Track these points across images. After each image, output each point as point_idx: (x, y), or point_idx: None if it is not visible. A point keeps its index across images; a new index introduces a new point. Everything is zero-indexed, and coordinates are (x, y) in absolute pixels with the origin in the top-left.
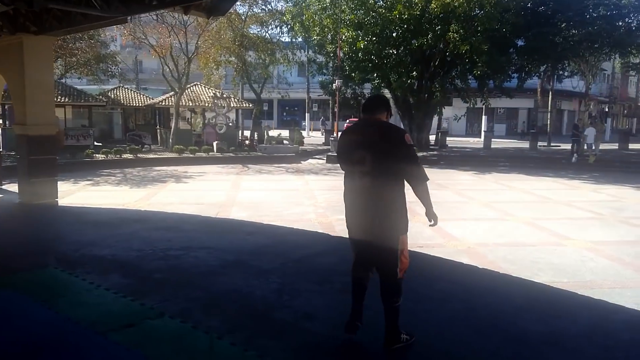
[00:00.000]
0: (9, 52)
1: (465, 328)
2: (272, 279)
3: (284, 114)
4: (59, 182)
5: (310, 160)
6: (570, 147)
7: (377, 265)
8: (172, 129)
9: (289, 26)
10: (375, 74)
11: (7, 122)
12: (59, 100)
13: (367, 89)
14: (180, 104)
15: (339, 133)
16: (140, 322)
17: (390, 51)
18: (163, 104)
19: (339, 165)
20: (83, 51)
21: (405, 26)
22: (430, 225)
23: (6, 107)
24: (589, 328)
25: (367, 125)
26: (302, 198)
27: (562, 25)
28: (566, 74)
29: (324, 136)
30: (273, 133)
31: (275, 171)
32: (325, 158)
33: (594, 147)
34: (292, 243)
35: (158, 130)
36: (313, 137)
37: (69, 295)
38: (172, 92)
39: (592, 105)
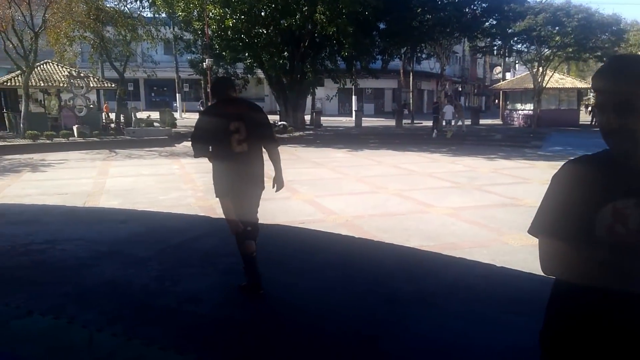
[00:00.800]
0: None
1: (343, 293)
2: (151, 267)
3: (152, 94)
4: None
5: (185, 143)
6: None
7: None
8: (22, 113)
9: (150, 0)
10: (246, 54)
11: None
12: None
13: (240, 68)
14: (30, 84)
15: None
16: (7, 322)
17: (260, 30)
18: (9, 84)
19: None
20: None
21: (273, 5)
22: (276, 192)
23: None
24: (452, 283)
25: (234, 101)
26: (179, 182)
27: (418, 10)
28: (424, 56)
29: None
30: (142, 115)
31: (146, 155)
32: None
33: (453, 124)
34: (171, 228)
35: (5, 114)
36: (186, 118)
37: None
38: (19, 72)
39: (448, 85)
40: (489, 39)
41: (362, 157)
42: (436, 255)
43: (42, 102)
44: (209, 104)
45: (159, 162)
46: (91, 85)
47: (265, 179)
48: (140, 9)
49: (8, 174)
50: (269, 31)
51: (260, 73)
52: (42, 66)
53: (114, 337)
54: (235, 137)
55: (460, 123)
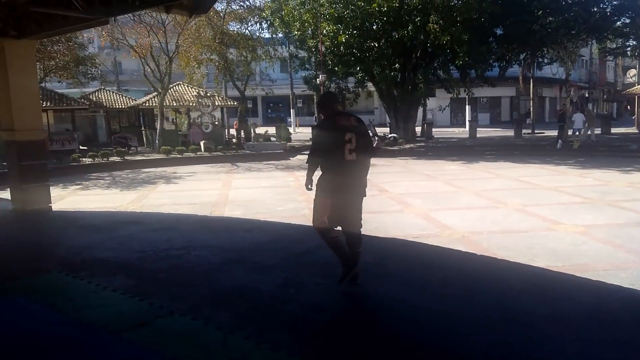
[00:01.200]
0: None
1: (468, 312)
2: (276, 274)
3: (269, 110)
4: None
5: (299, 156)
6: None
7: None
8: (157, 130)
9: (269, 22)
10: (358, 67)
11: None
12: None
13: (351, 82)
14: (164, 104)
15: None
16: (152, 320)
17: (372, 44)
18: (147, 104)
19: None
20: (62, 54)
21: (385, 18)
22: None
23: None
24: (589, 308)
25: (342, 114)
26: (295, 194)
27: (539, 13)
28: (545, 61)
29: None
30: (260, 130)
31: (264, 168)
32: None
33: (581, 133)
34: (292, 238)
35: (143, 132)
36: (300, 133)
37: (77, 298)
38: (155, 93)
39: (573, 91)
40: (621, 40)
41: (478, 170)
42: (568, 277)
43: (174, 120)
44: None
45: (275, 175)
46: (216, 103)
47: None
48: (260, 30)
49: (146, 185)
50: (381, 44)
51: (370, 86)
52: (174, 87)
53: (245, 340)
54: (348, 146)
55: (589, 132)
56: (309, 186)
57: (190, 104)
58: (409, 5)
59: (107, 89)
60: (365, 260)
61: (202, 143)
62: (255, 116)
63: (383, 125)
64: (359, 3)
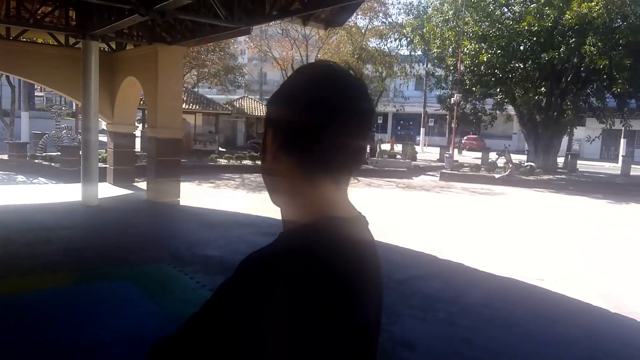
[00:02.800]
0: (145, 61)
1: None
2: None
3: (399, 127)
4: (185, 183)
5: (422, 177)
6: None
7: None
8: None
9: (409, 39)
10: (498, 89)
11: (145, 126)
12: (190, 107)
13: (489, 104)
14: None
15: (456, 149)
16: None
17: (516, 65)
18: None
19: (453, 183)
20: (214, 63)
21: (535, 39)
22: None
23: (145, 112)
24: None
25: None
26: (411, 216)
27: None
28: None
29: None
30: (386, 147)
31: (384, 185)
32: (438, 175)
33: None
34: (395, 262)
35: None
36: (428, 152)
37: (176, 292)
38: None
39: None
40: None
41: (627, 212)
42: None
43: None
44: (453, 137)
45: (395, 194)
46: None
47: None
48: (398, 47)
49: None
50: (526, 65)
51: (510, 109)
52: None
53: None
54: None
55: None
56: None
57: None
58: (563, 25)
59: (250, 97)
60: (473, 300)
61: None
62: (384, 132)
63: (520, 152)
64: (507, 22)
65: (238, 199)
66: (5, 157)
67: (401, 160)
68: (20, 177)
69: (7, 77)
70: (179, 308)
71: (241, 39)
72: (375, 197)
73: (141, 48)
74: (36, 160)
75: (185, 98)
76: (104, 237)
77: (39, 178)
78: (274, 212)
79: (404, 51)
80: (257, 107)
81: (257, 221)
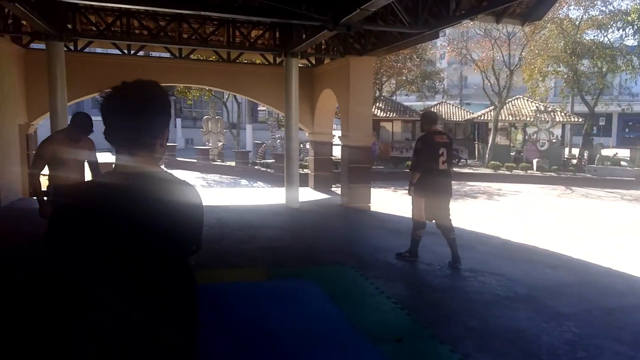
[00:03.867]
0: (339, 73)
1: None
2: (568, 326)
3: (626, 130)
4: (380, 189)
5: None
6: None
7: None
8: (489, 144)
9: (636, 27)
10: None
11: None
12: (388, 115)
13: None
14: (500, 118)
15: None
16: (410, 339)
17: None
18: (482, 118)
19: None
20: (410, 70)
21: None
22: None
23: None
24: None
25: (441, 132)
26: (637, 233)
27: None
28: None
29: None
30: (607, 152)
31: (605, 197)
32: None
33: None
34: (605, 287)
35: (475, 145)
36: None
37: (356, 295)
38: (492, 107)
39: None
40: None
41: None
42: None
43: (508, 135)
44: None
45: (618, 206)
46: (556, 119)
47: None
48: (622, 37)
49: (467, 198)
50: None
51: None
52: (512, 102)
53: None
54: (441, 158)
55: None
56: (410, 192)
57: (528, 119)
58: None
59: (448, 102)
60: None
61: (534, 161)
62: (607, 135)
63: None
64: None
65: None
66: (232, 164)
67: (627, 169)
68: (243, 181)
69: (235, 95)
70: (355, 312)
71: (439, 43)
72: (592, 210)
73: (336, 61)
74: (256, 167)
75: (383, 106)
76: (299, 238)
77: (258, 182)
78: (465, 221)
79: (631, 41)
80: (455, 112)
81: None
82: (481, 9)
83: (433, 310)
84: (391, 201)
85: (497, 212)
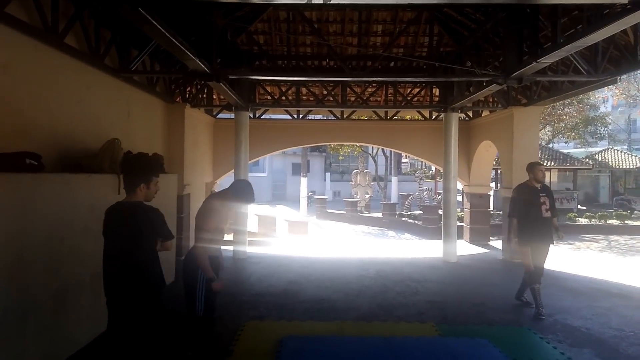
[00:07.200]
0: (501, 124)
1: None
2: None
3: None
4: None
5: None
6: None
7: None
8: None
9: None
10: None
11: (498, 185)
12: (545, 164)
13: None
14: None
15: None
16: None
17: None
18: None
19: None
20: (571, 116)
21: None
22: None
23: (498, 171)
24: None
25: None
26: None
27: None
28: None
29: None
30: None
31: None
32: None
33: None
34: None
35: None
36: None
37: (537, 359)
38: None
39: None
40: None
41: None
42: None
43: None
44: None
45: None
46: None
47: None
48: None
49: None
50: None
51: None
52: None
53: None
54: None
55: None
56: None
57: None
58: None
59: (615, 148)
60: None
61: None
62: None
63: None
64: None
65: (603, 264)
66: (379, 215)
67: None
68: (391, 233)
69: (382, 149)
70: None
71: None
72: None
73: (496, 113)
74: (403, 218)
75: (539, 155)
76: (463, 293)
77: (405, 234)
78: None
79: None
80: (625, 159)
81: (630, 292)
82: None
83: None
84: (558, 256)
85: None
